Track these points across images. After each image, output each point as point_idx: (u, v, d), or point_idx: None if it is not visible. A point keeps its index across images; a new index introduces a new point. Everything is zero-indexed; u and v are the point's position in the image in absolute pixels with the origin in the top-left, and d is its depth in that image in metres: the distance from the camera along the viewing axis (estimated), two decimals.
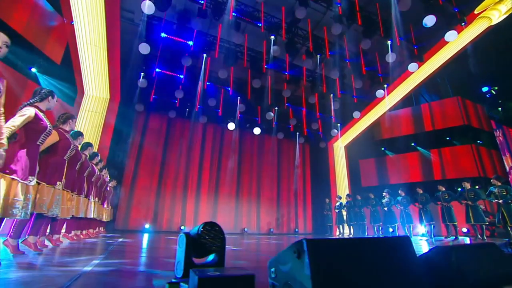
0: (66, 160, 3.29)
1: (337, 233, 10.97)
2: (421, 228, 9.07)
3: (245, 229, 10.97)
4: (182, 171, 10.57)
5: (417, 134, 11.28)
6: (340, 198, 10.28)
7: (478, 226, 6.28)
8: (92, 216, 5.31)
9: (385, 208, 8.29)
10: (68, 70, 7.61)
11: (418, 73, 9.93)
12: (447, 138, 10.78)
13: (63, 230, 4.51)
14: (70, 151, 3.30)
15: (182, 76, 8.67)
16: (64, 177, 3.36)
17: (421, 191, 7.64)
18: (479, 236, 6.23)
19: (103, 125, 8.63)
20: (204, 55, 8.02)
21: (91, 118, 8.51)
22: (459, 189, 7.06)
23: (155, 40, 7.77)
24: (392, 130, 11.87)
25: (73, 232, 4.82)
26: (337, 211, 9.92)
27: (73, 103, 8.18)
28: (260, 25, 7.45)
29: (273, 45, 7.64)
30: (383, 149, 11.99)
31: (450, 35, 7.95)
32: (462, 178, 10.16)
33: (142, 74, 8.24)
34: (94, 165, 5.37)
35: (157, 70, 8.49)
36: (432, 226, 7.40)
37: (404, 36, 8.42)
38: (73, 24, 6.65)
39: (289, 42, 8.21)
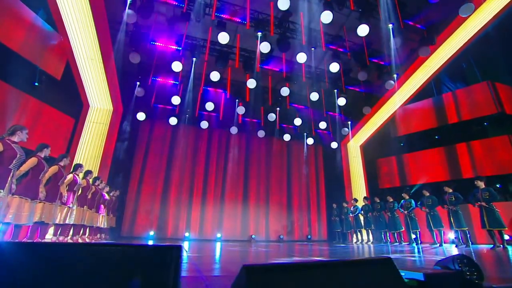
0: (13, 169, 3.33)
1: (354, 240, 10.04)
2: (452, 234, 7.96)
3: (253, 236, 10.54)
4: (187, 177, 10.57)
5: (440, 128, 9.98)
6: (347, 203, 9.45)
7: (496, 231, 5.16)
8: (72, 223, 5.43)
9: (388, 213, 7.38)
10: (71, 85, 8.06)
11: (434, 59, 8.85)
12: (477, 129, 9.35)
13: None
14: (17, 160, 3.34)
15: (177, 82, 8.72)
16: (14, 185, 3.42)
17: (428, 193, 6.68)
18: (497, 243, 5.11)
19: (106, 136, 8.97)
20: (194, 59, 7.97)
21: (96, 129, 8.90)
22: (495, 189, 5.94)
23: (148, 49, 7.94)
24: (411, 125, 10.68)
25: (54, 238, 4.92)
26: (343, 217, 9.11)
27: (79, 116, 8.63)
28: (245, 22, 7.20)
29: (261, 42, 7.31)
30: (402, 144, 10.81)
31: (465, 9, 6.94)
32: (500, 175, 8.74)
33: (138, 83, 8.45)
34: (76, 175, 5.54)
35: (153, 78, 8.64)
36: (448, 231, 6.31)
37: (408, 17, 7.56)
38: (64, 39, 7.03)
39: (281, 38, 7.84)
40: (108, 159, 8.92)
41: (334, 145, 11.72)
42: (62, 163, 4.96)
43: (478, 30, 8.13)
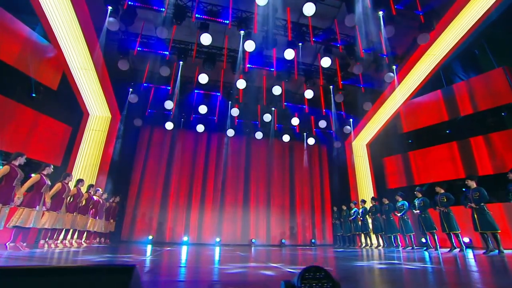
0: None
1: (363, 244, 9.39)
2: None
3: (253, 241, 10.25)
4: (186, 181, 10.58)
5: (452, 121, 9.11)
6: (347, 206, 8.91)
7: (490, 234, 4.48)
8: (61, 227, 5.71)
9: (383, 216, 6.83)
10: (69, 95, 8.42)
11: (438, 46, 8.14)
12: (495, 120, 8.39)
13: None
14: None
15: (169, 87, 8.81)
16: None
17: (420, 195, 6.12)
18: (490, 247, 4.42)
19: (105, 142, 9.24)
20: (181, 62, 8.01)
21: (95, 137, 9.21)
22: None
23: (137, 55, 8.10)
24: (419, 120, 9.88)
25: (43, 241, 5.35)
26: (342, 220, 8.59)
27: (78, 125, 8.99)
28: (227, 22, 7.11)
29: (245, 41, 7.16)
30: (410, 141, 10.03)
31: None
32: None
33: (131, 89, 8.65)
34: (65, 184, 5.77)
35: (145, 84, 8.80)
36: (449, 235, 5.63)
37: (402, 3, 7.03)
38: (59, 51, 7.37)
39: (267, 35, 7.64)
40: (107, 165, 9.17)
41: (337, 144, 11.19)
42: (45, 172, 5.20)
43: (486, 11, 7.34)
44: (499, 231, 4.54)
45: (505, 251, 4.45)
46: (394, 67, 8.19)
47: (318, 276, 0.97)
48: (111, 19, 6.34)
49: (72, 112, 8.69)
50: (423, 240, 8.06)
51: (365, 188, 10.90)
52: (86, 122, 9.25)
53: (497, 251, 4.46)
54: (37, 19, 7.13)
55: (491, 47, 9.13)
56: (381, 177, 10.70)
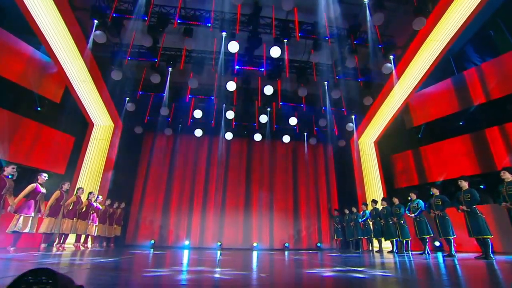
0: None
1: (368, 247, 8.78)
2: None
3: (255, 244, 10.03)
4: (188, 186, 10.71)
5: (465, 111, 8.23)
6: (349, 210, 8.39)
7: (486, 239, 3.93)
8: (58, 232, 6.08)
9: (382, 221, 6.31)
10: (73, 106, 8.94)
11: (440, 30, 7.41)
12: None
13: None
14: None
15: (163, 94, 9.01)
16: None
17: (415, 197, 5.58)
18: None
19: (108, 150, 9.66)
20: (170, 69, 8.15)
21: (99, 146, 9.67)
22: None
23: (129, 65, 8.40)
24: (428, 112, 9.08)
25: (44, 245, 5.78)
26: (344, 224, 8.09)
27: (83, 134, 9.50)
28: (209, 25, 7.11)
29: (228, 42, 7.10)
30: (419, 136, 9.24)
31: None
32: None
33: (128, 98, 8.98)
34: (63, 191, 6.15)
35: (141, 92, 9.09)
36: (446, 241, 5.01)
37: None
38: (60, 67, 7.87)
39: (252, 35, 7.52)
40: (111, 172, 9.56)
41: (341, 143, 10.67)
42: (40, 181, 5.55)
43: None
44: (491, 236, 4.04)
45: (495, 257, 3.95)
46: (391, 57, 7.61)
47: (44, 281, 0.82)
48: (97, 32, 6.63)
49: (77, 123, 9.20)
50: (437, 243, 7.33)
51: (374, 188, 10.21)
52: (91, 132, 9.76)
53: (484, 256, 3.89)
54: (39, 39, 7.70)
55: (509, 26, 8.16)
56: (389, 176, 9.97)
